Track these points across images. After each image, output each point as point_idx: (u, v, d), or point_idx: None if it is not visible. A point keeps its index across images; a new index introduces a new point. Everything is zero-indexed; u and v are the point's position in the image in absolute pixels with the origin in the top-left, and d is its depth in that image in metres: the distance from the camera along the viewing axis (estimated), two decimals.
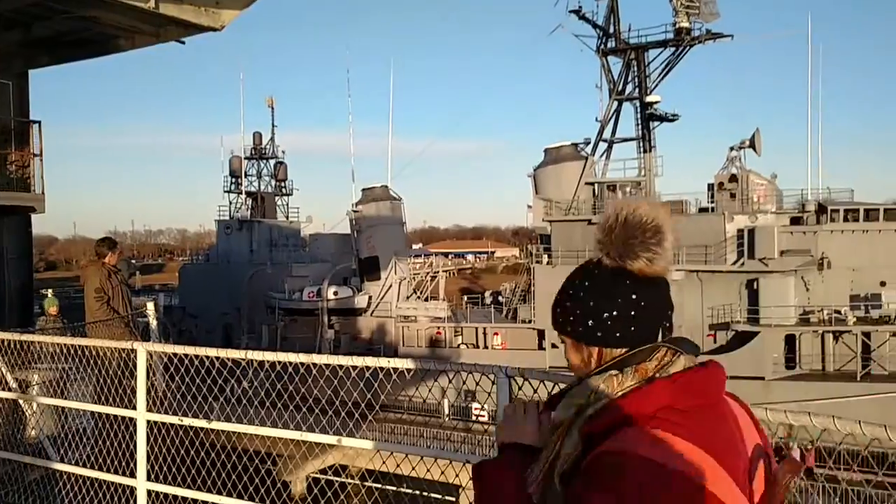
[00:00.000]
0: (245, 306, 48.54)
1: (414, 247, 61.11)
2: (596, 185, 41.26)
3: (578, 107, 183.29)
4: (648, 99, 41.59)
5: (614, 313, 1.59)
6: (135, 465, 5.26)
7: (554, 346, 35.24)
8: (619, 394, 1.54)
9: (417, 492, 8.17)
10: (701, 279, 36.62)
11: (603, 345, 1.61)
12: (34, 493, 6.81)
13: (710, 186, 39.61)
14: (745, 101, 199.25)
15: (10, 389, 7.05)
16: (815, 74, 42.63)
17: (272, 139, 61.29)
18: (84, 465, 6.06)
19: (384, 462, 4.58)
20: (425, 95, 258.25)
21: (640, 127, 42.45)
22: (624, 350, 1.60)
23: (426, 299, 45.00)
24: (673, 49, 41.33)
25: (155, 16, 12.34)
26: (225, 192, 59.28)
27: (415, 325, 42.82)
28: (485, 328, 41.46)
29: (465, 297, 50.60)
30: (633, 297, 1.59)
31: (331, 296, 45.38)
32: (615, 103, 42.73)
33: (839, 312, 34.16)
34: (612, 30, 42.59)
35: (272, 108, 61.03)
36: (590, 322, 1.61)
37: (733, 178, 38.43)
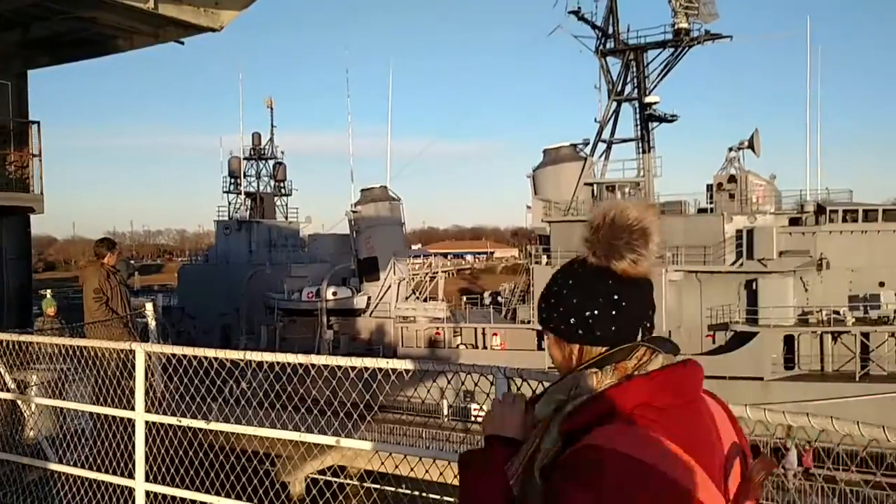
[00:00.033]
0: (244, 307, 48.52)
1: (413, 247, 61.08)
2: (595, 186, 41.27)
3: (578, 107, 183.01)
4: (647, 100, 41.63)
5: (595, 312, 1.62)
6: (133, 465, 5.25)
7: None
8: (599, 391, 1.56)
9: (416, 492, 8.17)
10: (700, 280, 36.65)
11: (584, 342, 1.65)
12: (32, 494, 6.80)
13: (709, 187, 39.64)
14: (743, 101, 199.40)
15: (8, 390, 7.05)
16: (814, 75, 42.85)
17: (271, 140, 61.32)
18: (82, 466, 6.06)
19: (383, 463, 4.58)
20: (424, 96, 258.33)
21: (638, 127, 42.49)
22: (604, 348, 1.62)
23: (425, 300, 44.98)
24: (672, 50, 41.38)
25: (154, 16, 12.33)
26: (224, 192, 59.33)
27: (414, 325, 42.81)
28: (484, 329, 41.46)
29: (465, 298, 50.64)
30: (616, 297, 1.61)
31: (330, 296, 45.38)
32: (614, 104, 42.77)
33: (838, 313, 34.20)
34: (611, 30, 42.62)
35: (271, 109, 61.10)
36: (572, 320, 1.64)
37: (732, 179, 38.45)
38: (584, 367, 1.63)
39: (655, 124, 42.58)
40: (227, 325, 49.23)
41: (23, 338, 6.74)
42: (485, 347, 40.68)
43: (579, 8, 41.90)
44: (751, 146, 38.95)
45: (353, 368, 4.16)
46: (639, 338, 1.63)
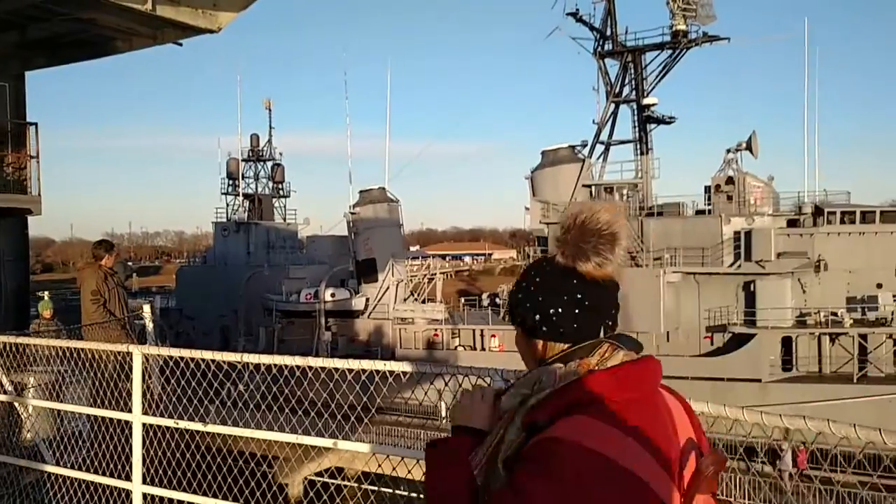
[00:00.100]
0: (242, 308, 48.48)
1: (411, 248, 61.08)
2: (593, 188, 41.28)
3: (576, 109, 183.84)
4: (645, 101, 41.64)
5: (560, 310, 1.68)
6: (130, 468, 5.24)
7: None
8: (561, 385, 1.61)
9: (414, 494, 8.15)
10: (698, 281, 36.65)
11: (548, 339, 1.72)
12: (29, 497, 6.79)
13: (707, 188, 39.63)
14: (741, 103, 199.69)
15: (5, 392, 7.04)
16: (812, 77, 42.65)
17: (269, 141, 61.32)
18: (80, 469, 6.05)
19: (380, 465, 4.58)
20: (423, 97, 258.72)
21: (636, 129, 42.50)
22: (567, 345, 1.70)
23: (423, 301, 44.94)
24: (670, 52, 41.39)
25: (152, 18, 12.34)
26: (222, 194, 59.30)
27: (412, 327, 42.78)
28: (482, 330, 41.40)
29: (463, 299, 50.55)
30: (579, 296, 1.68)
31: (328, 298, 45.34)
32: (612, 105, 42.78)
33: (836, 314, 34.21)
34: (609, 32, 42.64)
35: (269, 110, 61.10)
36: (537, 316, 1.71)
37: (730, 181, 38.45)
38: (548, 362, 1.70)
39: (653, 126, 42.61)
40: (225, 326, 49.19)
41: (20, 340, 6.72)
42: (483, 349, 40.64)
43: (577, 10, 41.92)
44: (749, 148, 38.96)
45: (351, 370, 4.16)
46: (601, 335, 1.69)
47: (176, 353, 5.02)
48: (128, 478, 5.31)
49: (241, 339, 46.18)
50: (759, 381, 33.37)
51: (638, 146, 42.35)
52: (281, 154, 62.34)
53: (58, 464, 6.48)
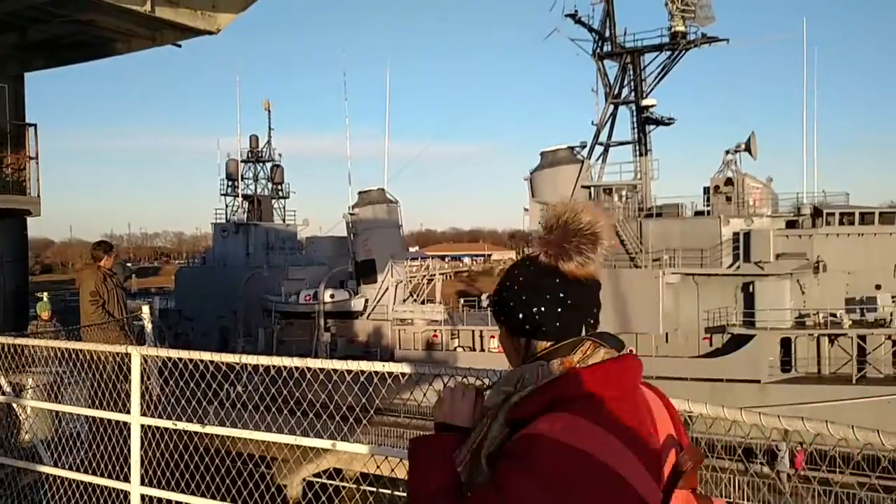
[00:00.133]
0: (241, 309, 48.44)
1: (410, 249, 61.08)
2: (592, 189, 41.27)
3: (575, 109, 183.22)
4: (644, 102, 41.64)
5: (542, 308, 1.70)
6: (129, 469, 5.24)
7: None
8: (544, 382, 1.63)
9: None
10: (697, 282, 36.67)
11: (531, 337, 1.74)
12: (27, 498, 6.78)
13: (706, 190, 39.64)
14: (740, 104, 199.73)
15: (3, 393, 7.03)
16: (811, 78, 42.63)
17: (269, 142, 61.29)
18: (78, 470, 6.04)
19: (379, 466, 4.57)
20: (423, 97, 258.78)
21: (635, 130, 42.51)
22: (550, 343, 1.72)
23: (423, 302, 44.94)
24: (669, 53, 41.40)
25: (151, 19, 12.34)
26: (221, 195, 59.24)
27: (411, 328, 42.78)
28: (481, 331, 41.38)
29: (462, 300, 50.54)
30: (561, 295, 1.70)
31: (327, 299, 45.32)
32: (611, 107, 42.79)
33: (835, 316, 34.24)
34: (607, 34, 42.65)
35: (269, 111, 61.03)
36: (520, 315, 1.73)
37: (729, 182, 38.47)
38: (531, 360, 1.72)
39: (652, 127, 42.61)
40: (224, 327, 49.16)
41: (19, 341, 6.72)
42: (482, 350, 40.66)
43: (576, 11, 41.92)
44: (747, 149, 38.99)
45: (349, 372, 4.16)
46: (583, 333, 1.72)
47: (175, 354, 5.02)
48: (126, 479, 5.31)
49: (240, 340, 46.16)
50: (758, 382, 33.38)
51: (637, 147, 42.36)
52: (280, 155, 62.39)
53: (56, 465, 6.48)
